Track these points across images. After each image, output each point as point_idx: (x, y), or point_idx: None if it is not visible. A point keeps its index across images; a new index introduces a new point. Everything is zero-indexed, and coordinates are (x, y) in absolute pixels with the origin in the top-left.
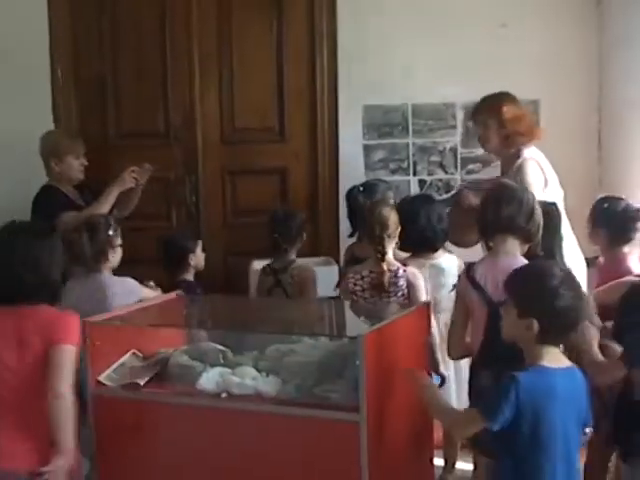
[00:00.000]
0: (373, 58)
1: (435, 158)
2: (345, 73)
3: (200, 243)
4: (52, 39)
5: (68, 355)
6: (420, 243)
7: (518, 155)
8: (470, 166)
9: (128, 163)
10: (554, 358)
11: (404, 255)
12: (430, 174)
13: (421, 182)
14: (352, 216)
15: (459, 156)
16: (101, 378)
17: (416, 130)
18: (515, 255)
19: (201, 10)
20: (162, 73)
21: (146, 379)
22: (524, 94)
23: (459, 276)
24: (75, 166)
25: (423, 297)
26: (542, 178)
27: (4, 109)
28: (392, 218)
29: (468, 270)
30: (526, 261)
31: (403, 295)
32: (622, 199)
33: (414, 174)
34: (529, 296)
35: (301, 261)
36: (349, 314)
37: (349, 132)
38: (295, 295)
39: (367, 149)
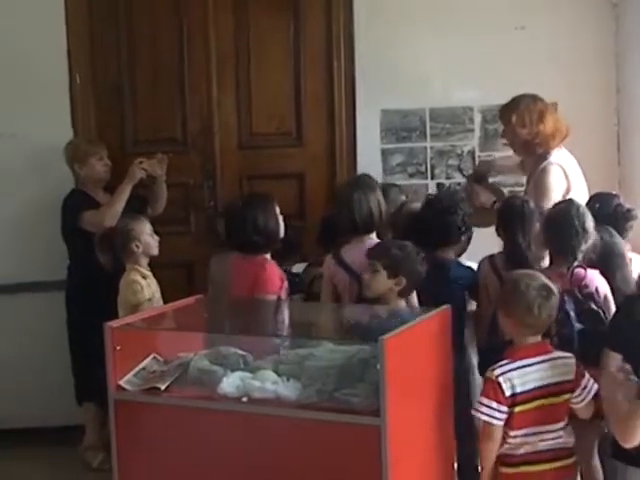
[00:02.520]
0: (390, 62)
1: (453, 162)
2: (362, 77)
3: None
4: (70, 48)
5: None
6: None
7: (545, 157)
8: (485, 157)
9: None
10: None
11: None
12: (448, 178)
13: (439, 186)
14: None
15: (477, 159)
16: (122, 382)
17: (434, 134)
18: (374, 238)
19: (217, 16)
20: (179, 80)
21: (167, 383)
22: (542, 96)
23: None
24: (98, 167)
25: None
26: (564, 184)
27: (24, 118)
28: None
29: (336, 255)
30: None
31: None
32: (615, 197)
33: (432, 178)
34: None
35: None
36: (370, 317)
37: (367, 136)
38: None
39: (385, 153)
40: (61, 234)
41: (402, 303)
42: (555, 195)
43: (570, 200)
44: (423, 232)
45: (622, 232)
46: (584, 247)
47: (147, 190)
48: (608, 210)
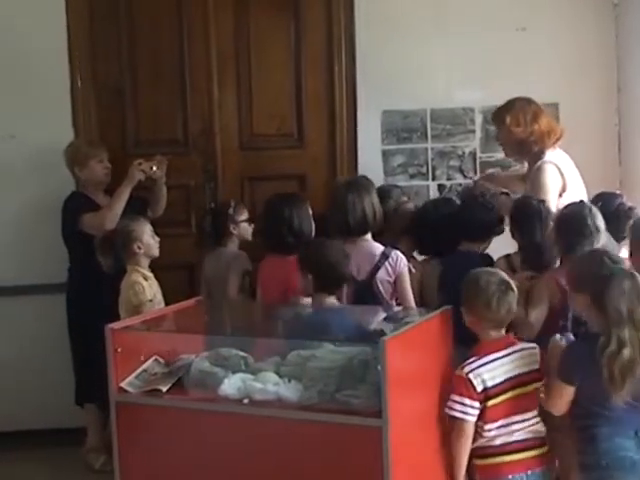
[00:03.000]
0: (391, 63)
1: (454, 163)
2: (363, 78)
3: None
4: (71, 49)
5: None
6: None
7: (540, 156)
8: (489, 170)
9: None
10: None
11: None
12: (449, 179)
13: (440, 187)
14: None
15: (478, 160)
16: (123, 384)
17: (435, 135)
18: (369, 240)
19: (218, 16)
20: (180, 81)
21: (168, 385)
22: (543, 97)
23: None
24: (98, 170)
25: None
26: (560, 182)
27: (25, 119)
28: None
29: None
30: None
31: None
32: (618, 196)
33: (433, 179)
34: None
35: None
36: (371, 318)
37: (368, 137)
38: None
39: (386, 154)
40: (61, 236)
41: (331, 300)
42: (551, 193)
43: (582, 201)
44: (464, 227)
45: (624, 231)
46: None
47: (147, 192)
48: (610, 209)
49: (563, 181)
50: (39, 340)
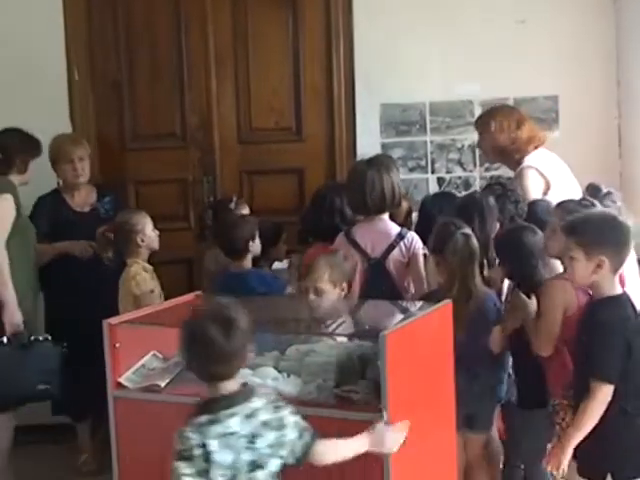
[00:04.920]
0: (390, 56)
1: (453, 156)
2: (362, 71)
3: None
4: (68, 43)
5: None
6: None
7: (520, 162)
8: (488, 163)
9: (145, 165)
10: None
11: None
12: (449, 172)
13: (440, 180)
14: None
15: (477, 153)
16: (121, 380)
17: (434, 128)
18: (385, 219)
19: (216, 11)
20: (178, 75)
21: (167, 381)
22: (543, 90)
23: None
24: (67, 171)
25: None
26: (541, 184)
27: (23, 113)
28: None
29: (347, 234)
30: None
31: None
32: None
33: (432, 172)
34: None
35: None
36: (371, 313)
37: (367, 131)
38: None
39: (385, 147)
40: None
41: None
42: (534, 196)
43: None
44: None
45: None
46: None
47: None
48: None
49: (545, 181)
50: None
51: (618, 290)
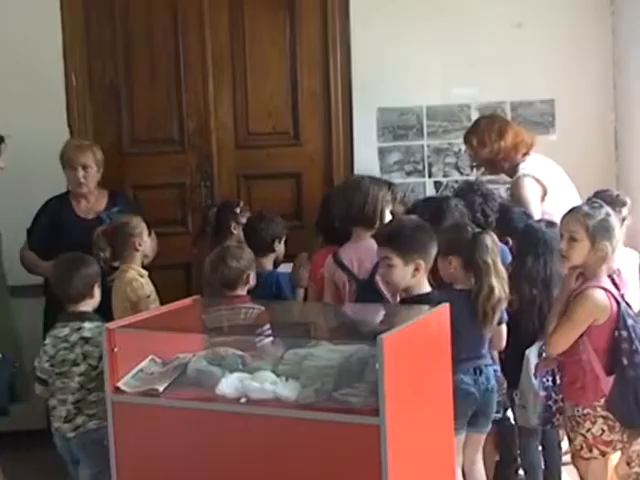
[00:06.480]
0: (387, 60)
1: (450, 159)
2: (359, 75)
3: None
4: (66, 47)
5: None
6: None
7: (515, 170)
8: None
9: (143, 170)
10: None
11: None
12: (445, 175)
13: (437, 184)
14: None
15: None
16: (120, 384)
17: (431, 132)
18: (368, 239)
19: (213, 15)
20: (175, 79)
21: (165, 385)
22: (539, 94)
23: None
24: (71, 178)
25: None
26: (539, 190)
27: (20, 117)
28: None
29: (335, 255)
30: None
31: None
32: (611, 195)
33: (429, 176)
34: None
35: None
36: (369, 316)
37: (364, 135)
38: None
39: (382, 151)
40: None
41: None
42: (533, 204)
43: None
44: None
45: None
46: None
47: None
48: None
49: (542, 187)
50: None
51: (428, 288)
